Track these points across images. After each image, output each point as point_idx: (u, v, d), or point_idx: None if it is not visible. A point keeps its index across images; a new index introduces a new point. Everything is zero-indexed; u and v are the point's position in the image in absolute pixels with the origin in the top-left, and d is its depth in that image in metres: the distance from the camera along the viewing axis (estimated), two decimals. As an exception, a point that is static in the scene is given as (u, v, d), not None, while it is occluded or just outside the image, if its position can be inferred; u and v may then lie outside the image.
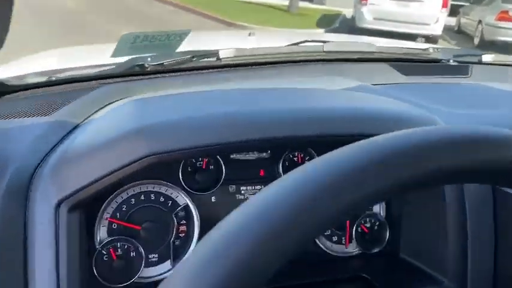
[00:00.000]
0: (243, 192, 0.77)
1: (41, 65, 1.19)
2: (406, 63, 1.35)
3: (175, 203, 0.72)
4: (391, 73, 1.29)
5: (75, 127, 0.73)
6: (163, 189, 0.71)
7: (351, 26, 8.40)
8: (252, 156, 0.77)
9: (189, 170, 0.73)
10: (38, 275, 0.58)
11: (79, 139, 0.67)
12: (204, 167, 0.73)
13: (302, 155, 0.79)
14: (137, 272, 0.69)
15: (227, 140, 0.62)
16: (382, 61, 1.32)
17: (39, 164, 0.63)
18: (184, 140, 0.61)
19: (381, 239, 0.82)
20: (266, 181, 0.78)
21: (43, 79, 0.96)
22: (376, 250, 0.82)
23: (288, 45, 1.34)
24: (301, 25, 8.29)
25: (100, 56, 1.09)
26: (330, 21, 9.29)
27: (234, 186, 0.77)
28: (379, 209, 0.83)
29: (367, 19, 7.88)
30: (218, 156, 0.74)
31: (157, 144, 0.60)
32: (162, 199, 0.71)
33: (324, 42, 1.33)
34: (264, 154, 0.78)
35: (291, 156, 0.79)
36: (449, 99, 1.00)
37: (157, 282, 0.68)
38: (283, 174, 0.76)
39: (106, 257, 0.67)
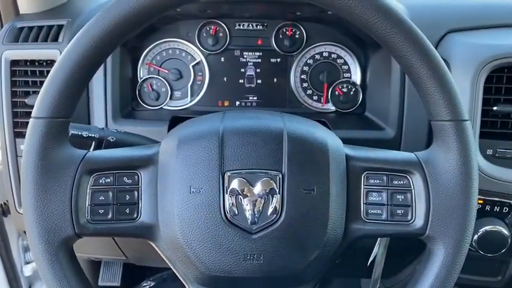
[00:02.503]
0: (245, 56, 1.03)
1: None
2: None
3: (192, 58, 1.02)
4: None
5: None
6: (185, 47, 1.02)
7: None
8: (251, 27, 1.02)
9: (204, 35, 1.02)
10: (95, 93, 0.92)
11: None
12: (214, 33, 1.01)
13: (291, 29, 1.01)
14: (165, 101, 1.02)
15: None
16: None
17: None
18: None
19: (355, 101, 1.02)
20: (263, 49, 1.02)
21: None
22: (348, 110, 1.02)
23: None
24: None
25: None
26: None
27: (238, 51, 1.03)
28: (356, 78, 1.02)
29: None
30: (225, 26, 1.01)
31: None
32: (183, 54, 1.02)
33: None
34: (261, 26, 1.02)
35: (284, 30, 1.02)
36: None
37: (178, 111, 1.02)
38: (275, 44, 1.01)
39: (146, 88, 1.02)
